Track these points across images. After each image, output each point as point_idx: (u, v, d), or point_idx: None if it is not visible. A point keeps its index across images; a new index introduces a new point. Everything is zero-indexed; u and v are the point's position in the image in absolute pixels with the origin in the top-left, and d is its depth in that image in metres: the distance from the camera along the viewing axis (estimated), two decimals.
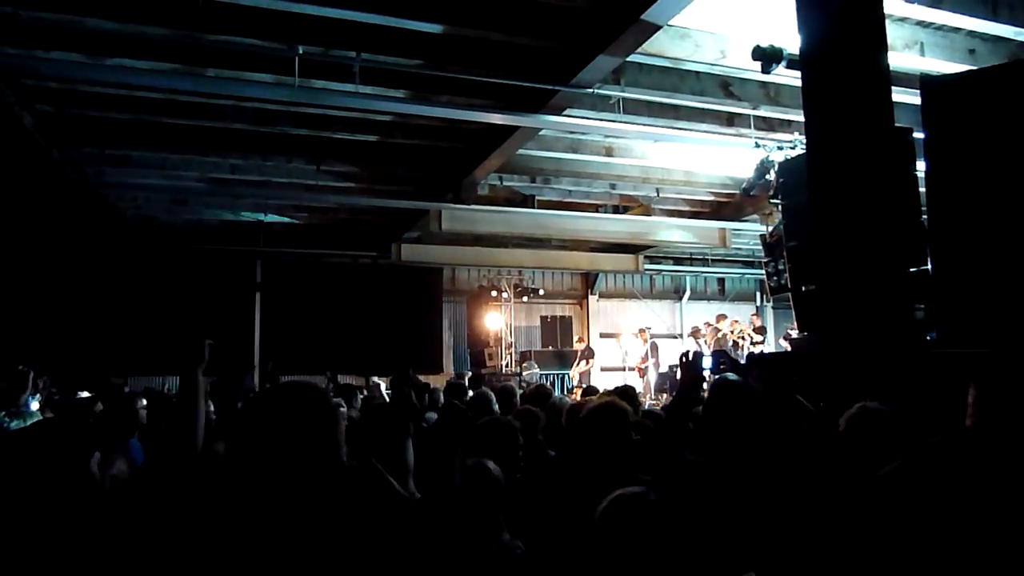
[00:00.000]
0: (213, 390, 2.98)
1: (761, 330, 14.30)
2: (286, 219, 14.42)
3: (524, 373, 13.86)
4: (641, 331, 15.58)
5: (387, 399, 9.15)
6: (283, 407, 1.42)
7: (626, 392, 5.04)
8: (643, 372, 14.86)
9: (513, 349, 15.48)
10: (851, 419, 2.69)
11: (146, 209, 13.48)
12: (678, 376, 4.26)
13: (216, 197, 12.50)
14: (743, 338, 14.06)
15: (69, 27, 6.55)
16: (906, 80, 6.90)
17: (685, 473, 2.49)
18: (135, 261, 14.81)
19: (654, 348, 14.92)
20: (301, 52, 6.92)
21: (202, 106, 8.82)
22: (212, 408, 3.04)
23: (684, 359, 2.70)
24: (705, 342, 14.13)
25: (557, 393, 6.85)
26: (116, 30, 6.58)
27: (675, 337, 18.82)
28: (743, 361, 12.37)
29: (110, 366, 13.69)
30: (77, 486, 1.90)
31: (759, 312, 18.89)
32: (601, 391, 6.56)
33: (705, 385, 3.04)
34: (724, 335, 14.28)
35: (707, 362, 2.81)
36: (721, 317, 15.01)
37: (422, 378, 5.90)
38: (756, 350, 13.35)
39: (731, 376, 2.63)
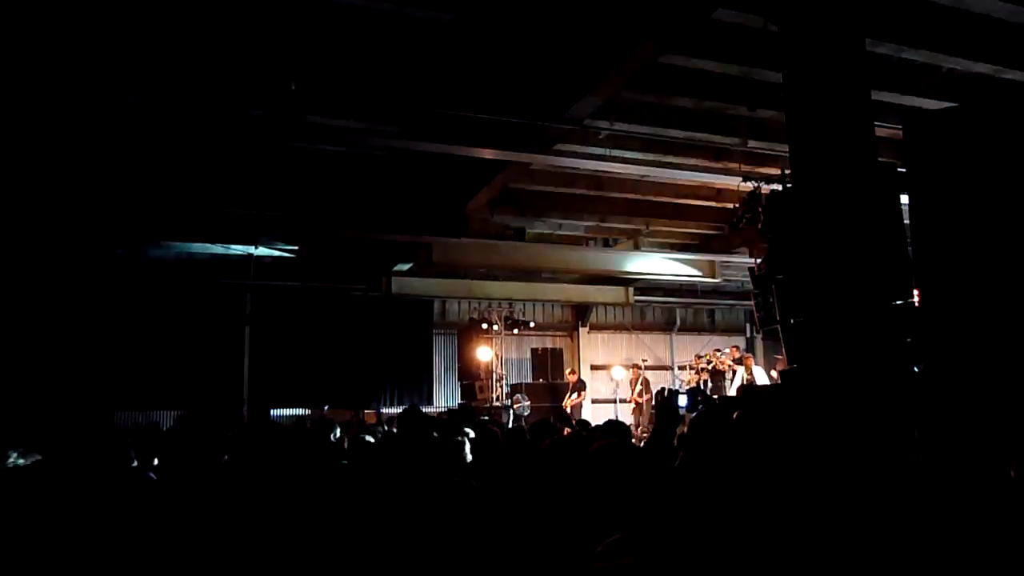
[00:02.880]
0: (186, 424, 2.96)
1: (740, 361, 14.39)
2: (276, 252, 14.41)
3: (515, 406, 13.79)
4: (635, 367, 15.57)
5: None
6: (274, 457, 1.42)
7: (618, 427, 5.02)
8: (639, 406, 14.87)
9: (504, 381, 15.42)
10: None
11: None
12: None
13: (206, 230, 12.49)
14: (730, 369, 14.11)
15: None
16: (889, 115, 7.03)
17: (668, 512, 2.48)
18: (125, 295, 14.75)
19: (646, 384, 14.92)
20: (292, 87, 7.00)
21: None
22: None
23: (660, 397, 2.70)
24: (696, 373, 14.19)
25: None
26: None
27: (666, 369, 18.82)
28: (733, 392, 12.38)
29: (99, 401, 13.56)
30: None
31: (749, 345, 18.96)
32: (592, 425, 6.54)
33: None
34: (711, 366, 14.30)
35: (683, 400, 2.81)
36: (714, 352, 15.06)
37: None
38: (738, 381, 13.42)
39: (707, 412, 2.64)
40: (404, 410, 2.57)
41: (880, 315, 4.28)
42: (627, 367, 16.06)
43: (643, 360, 16.08)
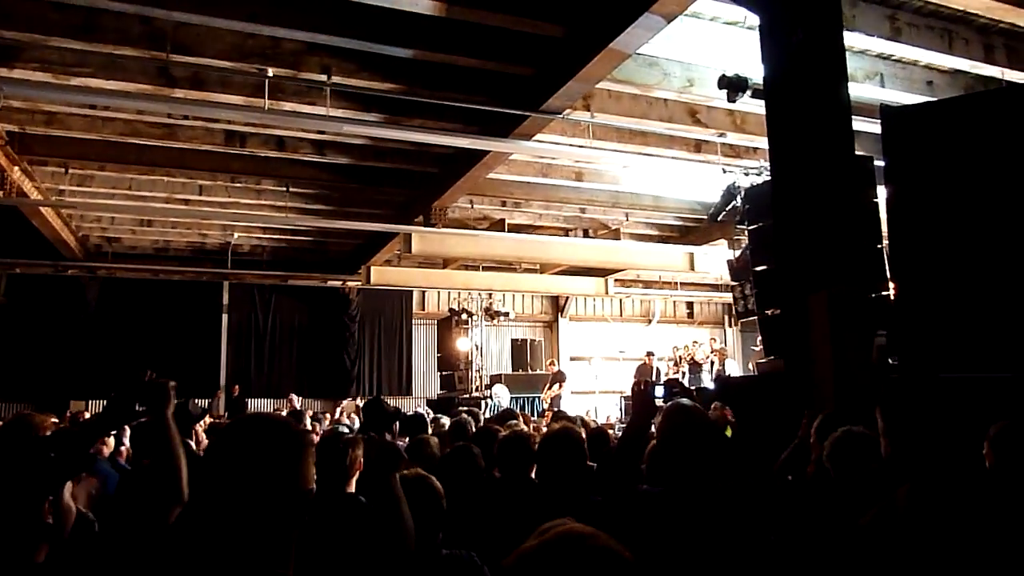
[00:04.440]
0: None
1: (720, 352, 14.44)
2: (254, 241, 14.30)
3: (494, 397, 13.79)
4: (648, 355, 15.29)
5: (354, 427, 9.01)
6: (248, 445, 1.39)
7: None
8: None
9: (483, 372, 15.42)
10: (835, 443, 2.72)
11: (111, 230, 13.29)
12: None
13: (183, 219, 12.37)
14: (707, 360, 14.17)
15: (34, 46, 6.48)
16: (867, 110, 7.08)
17: (637, 503, 2.48)
18: (100, 284, 14.57)
19: (658, 374, 14.71)
20: (271, 75, 6.91)
21: (170, 127, 8.76)
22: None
23: (636, 388, 2.68)
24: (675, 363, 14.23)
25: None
26: (82, 50, 6.53)
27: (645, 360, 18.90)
28: (710, 384, 12.46)
29: (73, 389, 13.41)
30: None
31: (726, 336, 19.09)
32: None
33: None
34: (690, 358, 14.34)
35: (660, 391, 2.80)
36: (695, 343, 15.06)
37: (392, 401, 5.83)
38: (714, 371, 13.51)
39: (685, 401, 2.63)
40: (367, 402, 2.55)
41: (856, 307, 4.32)
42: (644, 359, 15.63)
43: (652, 351, 15.60)
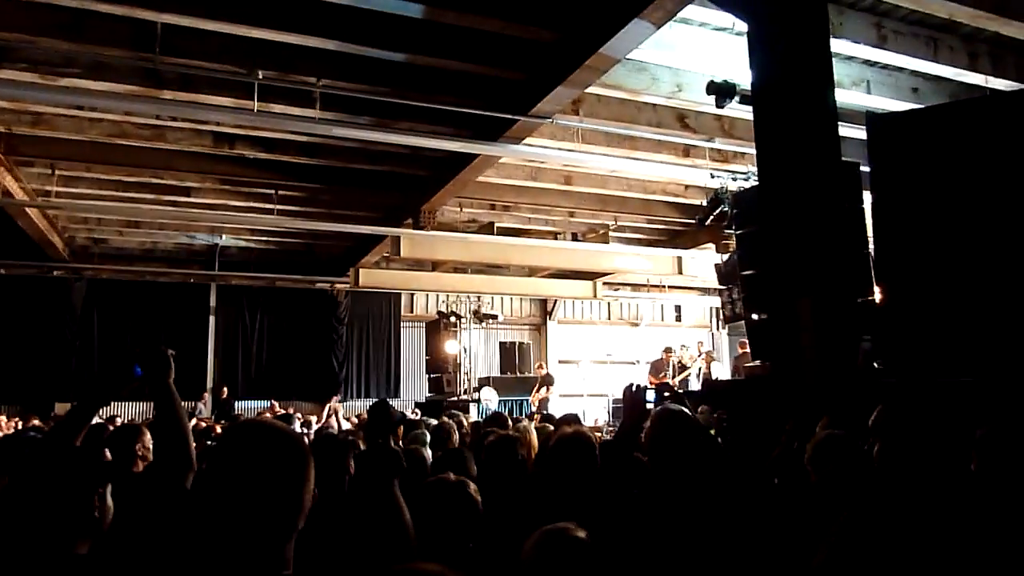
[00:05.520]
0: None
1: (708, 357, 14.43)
2: (242, 243, 14.24)
3: (482, 400, 13.77)
4: (667, 351, 15.06)
5: (339, 427, 9.02)
6: (255, 456, 1.38)
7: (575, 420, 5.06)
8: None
9: (472, 375, 15.40)
10: (817, 446, 2.74)
11: (98, 231, 13.21)
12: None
13: (171, 220, 12.31)
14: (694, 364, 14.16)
15: (21, 46, 6.44)
16: (853, 116, 7.14)
17: (630, 507, 2.49)
18: (87, 286, 14.48)
19: (682, 368, 14.47)
20: (260, 77, 6.90)
21: (158, 128, 8.72)
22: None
23: (628, 391, 2.70)
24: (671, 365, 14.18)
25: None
26: (70, 51, 6.50)
27: (633, 363, 18.93)
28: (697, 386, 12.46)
29: (59, 392, 13.31)
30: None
31: (714, 340, 19.15)
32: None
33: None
34: (678, 361, 14.33)
35: (650, 395, 2.81)
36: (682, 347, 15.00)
37: None
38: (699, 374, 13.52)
39: (673, 406, 2.65)
40: (372, 405, 2.52)
41: (842, 311, 4.36)
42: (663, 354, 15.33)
43: (670, 347, 15.38)
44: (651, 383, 3.42)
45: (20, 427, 9.50)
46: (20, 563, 1.72)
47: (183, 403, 2.18)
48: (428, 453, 4.10)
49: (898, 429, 2.51)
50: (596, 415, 14.98)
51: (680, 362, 14.13)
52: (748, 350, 8.42)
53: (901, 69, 7.57)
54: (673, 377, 13.60)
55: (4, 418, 11.25)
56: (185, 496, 1.94)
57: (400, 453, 2.03)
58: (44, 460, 1.94)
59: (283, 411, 12.90)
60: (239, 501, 1.33)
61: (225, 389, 14.59)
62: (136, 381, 2.16)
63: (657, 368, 13.63)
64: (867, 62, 7.42)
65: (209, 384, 15.09)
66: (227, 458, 1.40)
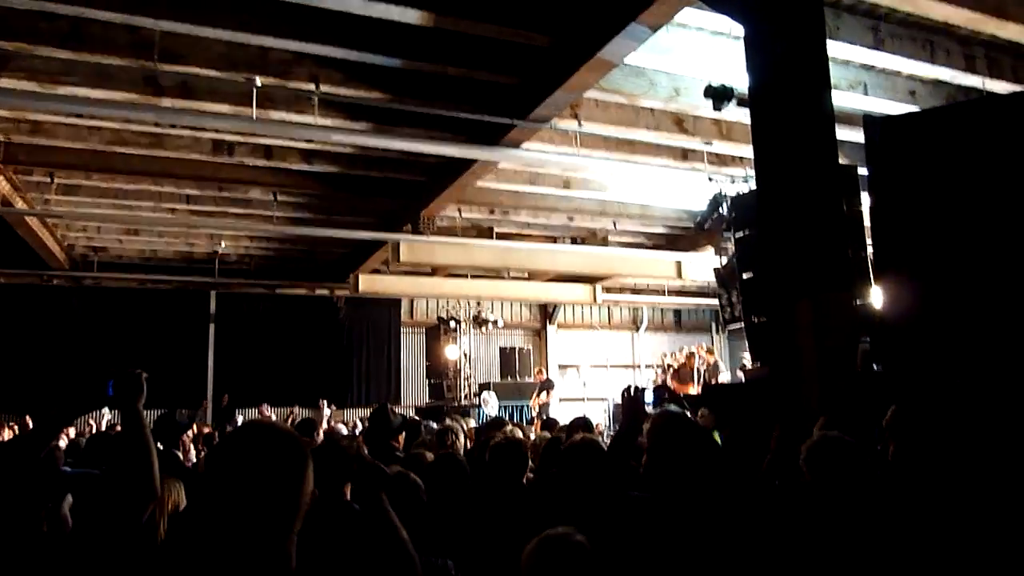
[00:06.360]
0: (156, 426, 2.86)
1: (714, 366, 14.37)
2: (241, 250, 14.24)
3: (482, 404, 13.76)
4: (689, 356, 14.89)
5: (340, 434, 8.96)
6: (255, 455, 1.39)
7: (586, 424, 5.05)
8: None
9: (472, 380, 15.40)
10: (812, 447, 2.74)
11: (97, 239, 13.21)
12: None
13: (170, 228, 12.32)
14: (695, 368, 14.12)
15: (20, 55, 6.46)
16: (850, 119, 7.16)
17: (627, 510, 2.49)
18: (86, 294, 14.48)
19: (714, 368, 14.33)
20: (259, 84, 6.92)
21: (157, 136, 8.73)
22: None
23: (626, 394, 2.70)
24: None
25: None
26: (69, 59, 6.51)
27: (633, 368, 18.94)
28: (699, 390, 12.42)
29: (59, 402, 13.26)
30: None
31: (713, 343, 19.15)
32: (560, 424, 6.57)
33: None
34: (679, 366, 14.31)
35: (649, 397, 2.82)
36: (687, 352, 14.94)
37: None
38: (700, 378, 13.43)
39: (672, 408, 2.66)
40: (374, 410, 2.50)
41: (841, 314, 4.36)
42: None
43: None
44: (676, 390, 3.42)
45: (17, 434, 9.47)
46: None
47: (183, 410, 2.18)
48: (430, 456, 4.11)
49: (913, 430, 2.51)
50: (596, 419, 14.96)
51: (708, 365, 13.86)
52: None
53: (898, 72, 7.58)
54: (698, 383, 13.30)
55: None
56: (139, 529, 1.92)
57: (378, 466, 1.97)
58: None
59: (272, 415, 12.93)
60: (238, 496, 1.35)
61: (226, 397, 14.58)
62: (107, 400, 2.13)
63: (682, 377, 13.41)
64: (864, 65, 7.43)
65: (209, 392, 15.08)
66: (228, 455, 1.42)
